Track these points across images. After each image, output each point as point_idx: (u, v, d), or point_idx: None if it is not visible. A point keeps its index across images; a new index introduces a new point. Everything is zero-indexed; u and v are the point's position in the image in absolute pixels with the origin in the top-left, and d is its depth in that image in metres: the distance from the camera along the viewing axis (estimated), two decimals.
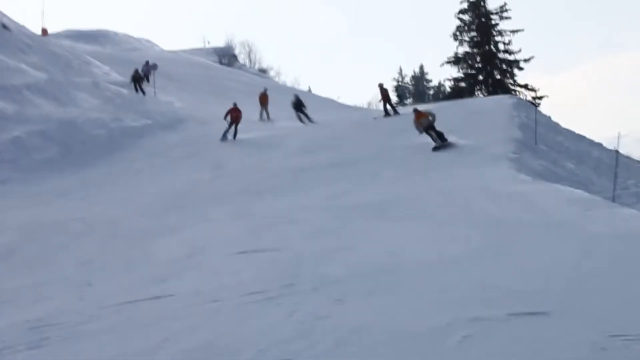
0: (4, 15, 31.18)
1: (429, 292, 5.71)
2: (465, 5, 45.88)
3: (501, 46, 45.73)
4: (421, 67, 72.53)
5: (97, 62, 32.07)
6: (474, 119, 20.48)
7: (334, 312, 5.45)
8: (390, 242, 8.18)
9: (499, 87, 43.54)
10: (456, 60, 45.74)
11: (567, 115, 68.64)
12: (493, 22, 45.88)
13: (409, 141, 17.41)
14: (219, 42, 57.67)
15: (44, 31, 41.07)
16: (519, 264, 6.41)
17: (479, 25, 45.74)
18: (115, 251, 10.31)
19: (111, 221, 12.55)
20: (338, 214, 10.63)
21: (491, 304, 5.07)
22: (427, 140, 16.89)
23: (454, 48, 53.27)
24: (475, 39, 45.74)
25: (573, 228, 7.79)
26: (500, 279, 5.85)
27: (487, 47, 45.67)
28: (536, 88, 44.74)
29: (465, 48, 45.99)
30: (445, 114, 18.44)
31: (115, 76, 30.54)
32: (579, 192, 10.92)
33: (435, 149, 16.67)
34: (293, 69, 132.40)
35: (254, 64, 59.76)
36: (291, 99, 26.54)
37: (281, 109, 28.24)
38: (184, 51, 53.05)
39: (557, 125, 23.94)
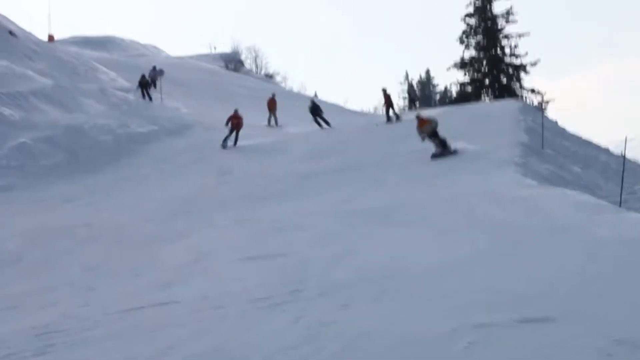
0: (11, 22, 31.40)
1: (434, 298, 5.70)
2: (471, 9, 45.89)
3: (507, 50, 45.69)
4: (427, 72, 72.74)
5: (104, 68, 32.23)
6: (480, 123, 20.48)
7: (339, 318, 5.44)
8: (395, 247, 8.17)
9: (506, 91, 43.50)
10: (462, 65, 45.66)
11: (572, 119, 68.49)
12: (499, 26, 45.82)
13: (413, 147, 17.36)
14: (226, 48, 58.10)
15: (51, 37, 41.33)
16: (524, 268, 6.38)
17: (485, 29, 45.68)
18: (121, 257, 10.31)
19: (117, 227, 12.58)
20: (343, 219, 10.62)
21: (496, 309, 5.05)
22: (432, 147, 16.82)
23: (460, 52, 53.25)
24: (481, 43, 45.68)
25: (579, 232, 7.75)
26: (506, 283, 5.83)
27: (493, 51, 45.61)
28: (543, 92, 44.78)
29: (471, 52, 45.99)
30: (451, 118, 18.45)
31: (121, 82, 30.68)
32: (586, 197, 10.86)
33: (434, 156, 16.43)
34: (299, 74, 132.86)
35: (261, 69, 60.02)
36: (308, 104, 26.91)
37: (288, 114, 28.34)
38: (191, 57, 53.35)
39: (563, 130, 23.91)
